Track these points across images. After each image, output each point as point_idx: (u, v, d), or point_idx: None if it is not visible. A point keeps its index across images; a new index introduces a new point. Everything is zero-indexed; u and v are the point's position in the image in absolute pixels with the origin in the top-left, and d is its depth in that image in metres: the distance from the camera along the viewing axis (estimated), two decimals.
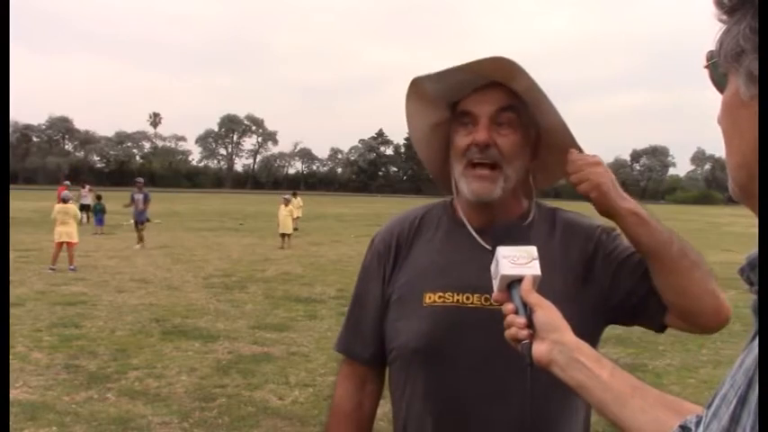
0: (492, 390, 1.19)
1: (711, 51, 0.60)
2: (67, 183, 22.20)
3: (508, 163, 1.21)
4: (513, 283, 0.96)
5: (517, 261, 0.96)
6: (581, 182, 1.15)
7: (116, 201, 20.15)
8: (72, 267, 11.44)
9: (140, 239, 15.38)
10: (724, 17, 0.57)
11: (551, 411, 1.20)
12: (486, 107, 1.21)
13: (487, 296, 1.18)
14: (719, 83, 0.61)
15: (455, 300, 1.22)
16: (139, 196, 16.09)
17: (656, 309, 1.21)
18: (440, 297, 1.23)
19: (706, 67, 0.62)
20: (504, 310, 0.95)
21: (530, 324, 0.91)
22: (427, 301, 1.24)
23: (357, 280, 1.39)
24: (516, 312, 0.93)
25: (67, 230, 11.81)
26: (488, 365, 1.19)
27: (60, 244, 11.60)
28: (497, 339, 1.10)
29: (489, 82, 1.21)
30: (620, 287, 1.23)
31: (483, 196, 1.21)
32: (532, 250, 0.98)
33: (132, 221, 16.20)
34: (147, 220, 16.11)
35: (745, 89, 0.55)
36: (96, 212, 20.17)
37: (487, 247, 1.22)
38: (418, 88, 1.25)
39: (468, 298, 1.22)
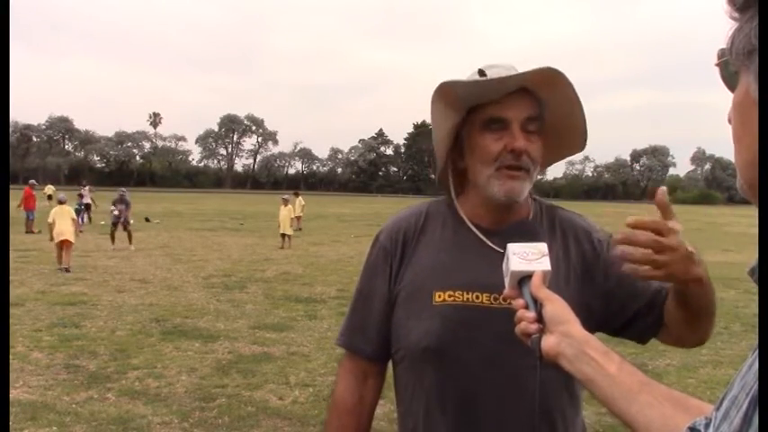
0: (503, 386, 1.21)
1: (722, 49, 0.59)
2: (33, 182, 21.98)
3: (535, 167, 1.25)
4: (523, 279, 0.97)
5: (527, 257, 0.98)
6: (657, 268, 1.06)
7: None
8: (67, 267, 11.39)
9: (129, 240, 15.30)
10: (736, 15, 0.56)
11: (560, 404, 1.24)
12: (518, 114, 1.22)
13: (496, 295, 1.21)
14: (730, 81, 0.60)
15: (465, 298, 1.24)
16: (122, 206, 16.13)
17: (644, 326, 1.28)
18: (449, 296, 1.24)
19: (717, 64, 0.61)
20: (514, 306, 0.96)
21: (540, 319, 0.92)
22: (437, 299, 1.25)
23: (361, 275, 1.39)
24: (527, 307, 0.94)
25: (63, 230, 11.77)
26: (499, 362, 1.21)
27: (61, 243, 11.60)
28: (507, 337, 1.12)
29: (518, 88, 1.22)
30: (615, 299, 1.27)
31: (514, 196, 1.23)
32: (542, 247, 0.99)
33: (111, 223, 15.99)
34: (128, 222, 15.89)
35: (756, 88, 0.54)
36: (78, 212, 20.79)
37: (494, 246, 1.24)
38: (446, 91, 1.24)
39: (477, 297, 1.23)
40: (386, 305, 1.32)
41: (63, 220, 12.03)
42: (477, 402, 1.22)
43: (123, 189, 17.43)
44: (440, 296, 1.25)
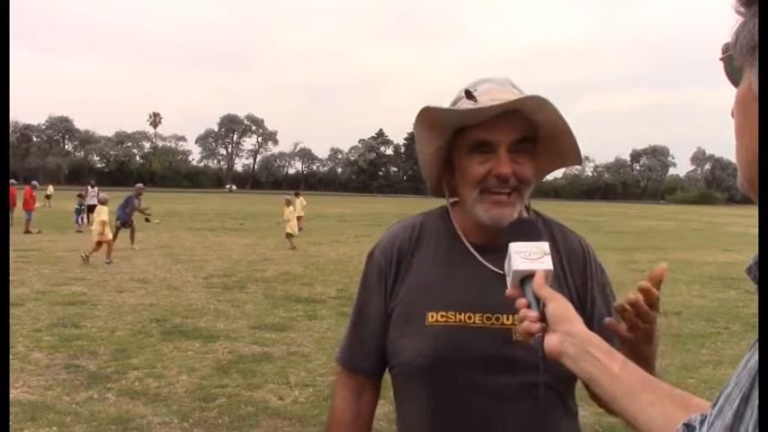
0: (496, 406, 1.21)
1: (727, 44, 0.59)
2: (35, 183, 22.50)
3: (526, 187, 1.22)
4: (525, 278, 0.97)
5: (529, 256, 0.98)
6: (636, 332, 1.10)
7: (116, 201, 20.17)
8: (107, 261, 12.40)
9: (132, 239, 15.48)
10: (741, 9, 0.56)
11: (555, 421, 1.24)
12: (506, 137, 1.19)
13: (489, 315, 1.21)
14: (734, 76, 0.60)
15: (458, 319, 1.23)
16: (136, 201, 16.23)
17: None
18: (442, 316, 1.24)
19: (721, 59, 0.61)
20: (517, 305, 0.96)
21: (542, 318, 0.91)
22: (430, 320, 1.24)
23: (358, 292, 1.39)
24: (529, 307, 0.94)
25: (98, 230, 12.94)
26: (491, 384, 1.20)
27: (99, 243, 12.69)
28: (499, 357, 1.15)
29: (506, 110, 1.18)
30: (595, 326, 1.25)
31: (500, 222, 1.20)
32: (544, 246, 0.99)
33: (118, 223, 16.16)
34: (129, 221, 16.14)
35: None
36: (78, 212, 21.69)
37: (487, 264, 1.24)
38: (429, 114, 1.22)
39: (470, 317, 1.22)
40: (382, 322, 1.32)
41: (97, 220, 13.12)
42: (469, 422, 1.22)
43: (141, 184, 17.57)
44: (432, 317, 1.24)
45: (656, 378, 0.84)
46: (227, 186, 20.68)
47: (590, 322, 1.22)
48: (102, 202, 13.70)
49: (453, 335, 1.22)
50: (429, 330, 1.24)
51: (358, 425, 1.37)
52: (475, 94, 1.20)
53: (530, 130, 1.21)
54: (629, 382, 0.81)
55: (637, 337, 1.10)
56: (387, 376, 1.40)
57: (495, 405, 1.20)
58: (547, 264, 0.97)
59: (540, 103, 1.16)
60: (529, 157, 1.21)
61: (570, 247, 1.32)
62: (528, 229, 1.06)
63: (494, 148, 1.19)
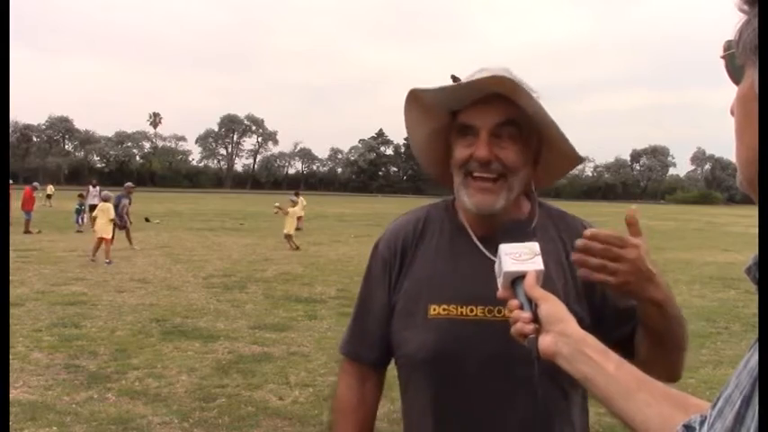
0: (498, 399, 1.21)
1: (729, 41, 0.58)
2: (36, 184, 22.62)
3: (513, 174, 1.20)
4: (517, 279, 0.96)
5: (520, 258, 0.97)
6: (611, 273, 1.07)
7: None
8: (107, 261, 12.39)
9: (129, 240, 15.41)
10: (745, 7, 0.55)
11: (558, 414, 1.23)
12: (487, 120, 1.19)
13: (491, 307, 1.21)
14: (735, 74, 0.59)
15: (459, 312, 1.23)
16: (126, 201, 16.09)
17: (628, 350, 1.22)
18: (444, 310, 1.24)
19: (723, 57, 0.60)
20: (509, 307, 0.95)
21: (535, 319, 0.91)
22: (432, 313, 1.25)
23: (362, 284, 1.40)
24: (521, 308, 0.93)
25: (99, 227, 13.02)
26: (493, 375, 1.21)
27: (100, 239, 12.77)
28: (501, 350, 1.14)
29: (490, 94, 1.18)
30: (606, 321, 1.23)
31: (485, 209, 1.21)
32: (534, 246, 0.99)
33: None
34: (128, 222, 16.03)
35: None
36: (78, 212, 21.80)
37: (490, 256, 1.23)
38: (417, 97, 1.24)
39: (471, 310, 1.23)
40: (386, 314, 1.33)
41: (102, 217, 13.16)
42: (472, 414, 1.23)
43: (130, 183, 17.34)
44: (434, 309, 1.25)
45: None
46: (275, 210, 19.73)
47: (603, 305, 1.23)
48: (107, 200, 13.83)
49: (455, 328, 1.23)
50: (431, 323, 1.24)
51: (363, 410, 1.38)
52: (463, 79, 1.21)
53: (516, 115, 1.19)
54: (624, 381, 0.81)
55: (625, 280, 1.06)
56: (389, 375, 1.41)
57: (499, 397, 1.21)
58: (538, 264, 0.97)
59: (511, 86, 1.15)
60: (513, 141, 1.20)
61: (574, 232, 1.29)
62: (519, 231, 1.06)
63: (476, 132, 1.19)
